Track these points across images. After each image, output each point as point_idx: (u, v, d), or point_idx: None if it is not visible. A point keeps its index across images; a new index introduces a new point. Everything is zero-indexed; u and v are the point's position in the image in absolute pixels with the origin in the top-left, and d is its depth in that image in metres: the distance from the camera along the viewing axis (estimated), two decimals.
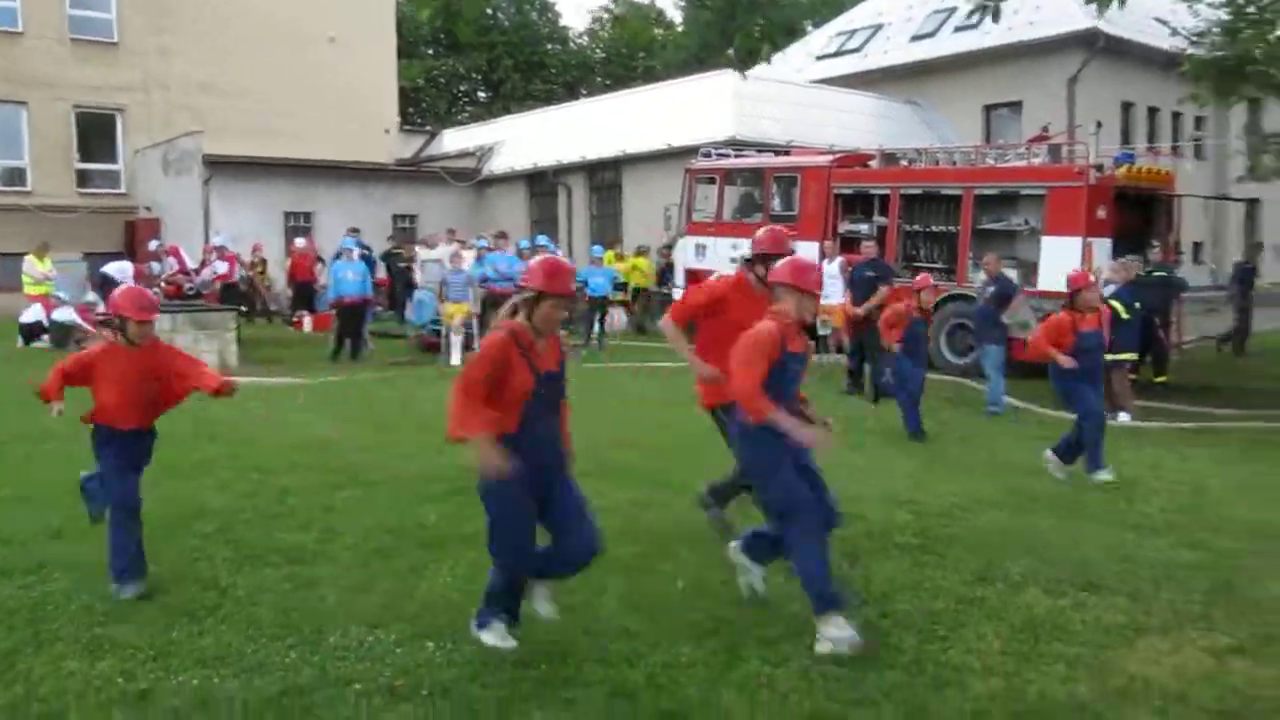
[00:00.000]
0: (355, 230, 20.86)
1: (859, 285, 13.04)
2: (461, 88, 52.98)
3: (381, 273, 21.89)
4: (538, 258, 4.85)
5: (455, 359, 15.79)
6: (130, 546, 5.52)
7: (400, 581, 5.72)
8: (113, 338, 5.66)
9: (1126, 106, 28.74)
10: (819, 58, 33.60)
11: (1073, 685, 4.44)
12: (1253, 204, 26.38)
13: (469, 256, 17.78)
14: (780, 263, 5.21)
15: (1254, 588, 5.75)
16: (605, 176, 28.14)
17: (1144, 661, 4.73)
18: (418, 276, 17.99)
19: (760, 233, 6.17)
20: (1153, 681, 4.49)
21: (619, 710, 4.14)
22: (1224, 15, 14.54)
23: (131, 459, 5.63)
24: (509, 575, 4.72)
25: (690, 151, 20.65)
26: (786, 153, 19.39)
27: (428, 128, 39.36)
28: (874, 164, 17.04)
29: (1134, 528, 6.99)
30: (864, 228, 16.04)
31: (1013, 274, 13.15)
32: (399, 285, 21.13)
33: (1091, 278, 8.83)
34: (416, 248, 21.12)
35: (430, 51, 50.39)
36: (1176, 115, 29.28)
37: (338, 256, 17.61)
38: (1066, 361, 8.29)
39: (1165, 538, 6.77)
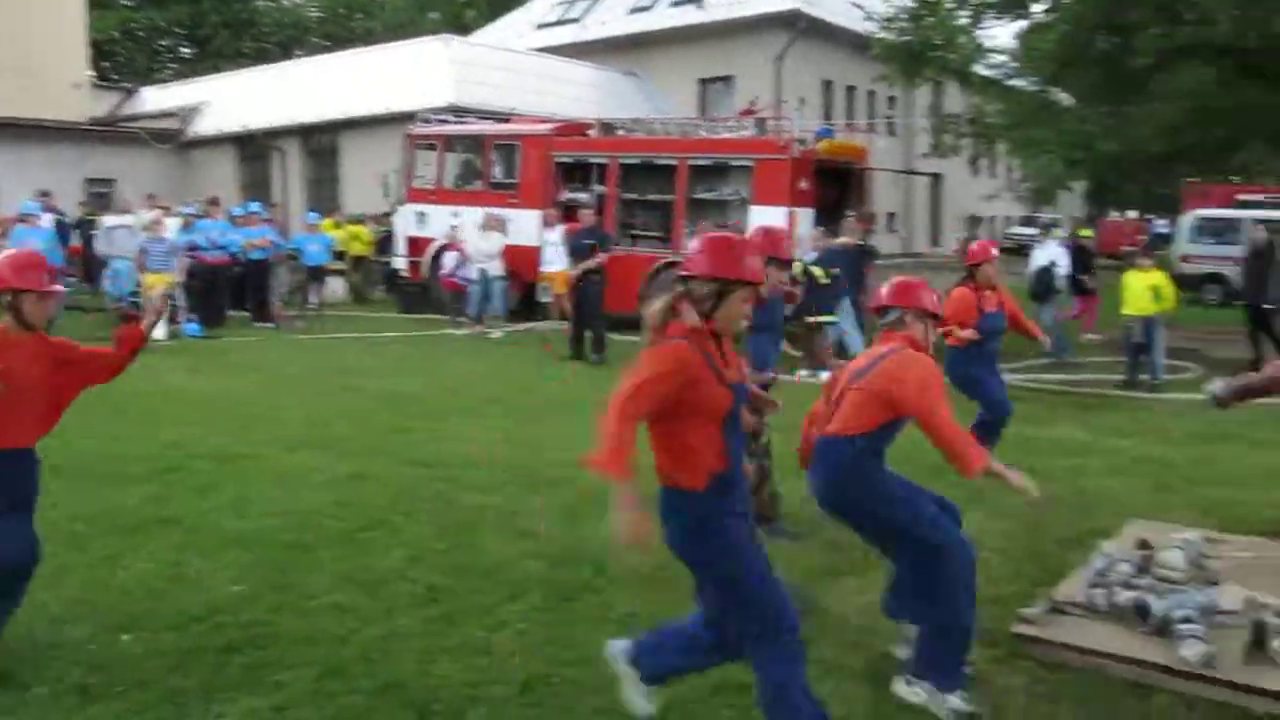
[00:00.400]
0: (46, 194, 19.13)
1: (579, 253, 13.23)
2: (163, 43, 49.37)
3: (76, 240, 20.17)
4: (703, 235, 3.62)
5: (157, 333, 14.78)
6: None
7: (94, 572, 5.33)
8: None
9: (827, 84, 30.50)
10: (540, 26, 33.65)
11: None
12: (936, 178, 28.65)
13: (172, 224, 16.67)
14: (890, 287, 4.33)
15: None
16: (321, 140, 27.16)
17: (839, 600, 5.09)
18: (99, 244, 16.60)
19: (750, 234, 5.17)
20: (845, 619, 4.84)
21: (330, 689, 4.05)
22: (910, 2, 15.71)
23: (13, 494, 4.18)
24: (788, 653, 3.44)
25: (409, 117, 20.21)
26: (507, 120, 19.33)
27: (125, 84, 36.49)
28: (593, 133, 17.30)
29: None
30: (584, 196, 16.24)
31: None
32: (93, 254, 19.54)
33: (994, 251, 7.72)
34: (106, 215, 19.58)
35: (126, 2, 46.58)
36: (871, 94, 31.36)
37: (20, 221, 16.06)
38: (968, 334, 7.31)
39: None
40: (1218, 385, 5.77)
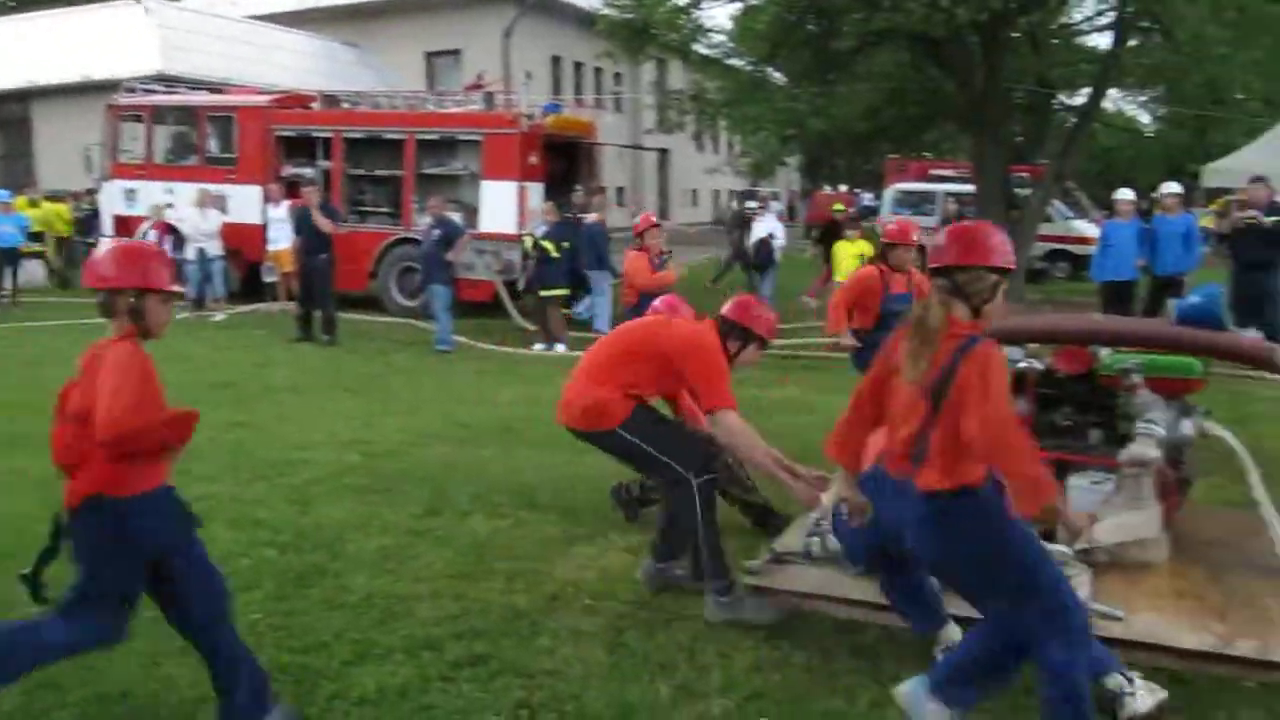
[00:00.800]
0: None
1: (305, 230, 12.78)
2: None
3: None
4: (956, 226, 3.45)
5: None
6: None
7: None
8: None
9: (555, 60, 30.75)
10: None
11: (512, 597, 4.81)
12: (663, 153, 29.52)
13: None
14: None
15: None
16: (11, 110, 24.95)
17: (576, 568, 5.22)
18: None
19: (731, 306, 4.89)
20: (582, 585, 4.98)
21: (43, 703, 3.75)
22: None
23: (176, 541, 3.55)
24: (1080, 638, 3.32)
25: (113, 86, 18.81)
26: (221, 92, 18.35)
27: None
28: (316, 106, 16.70)
29: (568, 448, 7.58)
30: (308, 171, 15.70)
31: (456, 217, 13.61)
32: None
33: (914, 235, 7.09)
34: None
35: None
36: (598, 70, 31.86)
37: None
38: (849, 343, 6.97)
39: (595, 454, 7.35)
40: None
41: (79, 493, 3.37)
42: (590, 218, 14.25)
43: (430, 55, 29.65)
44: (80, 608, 3.41)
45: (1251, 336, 5.31)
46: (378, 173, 15.83)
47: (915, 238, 7.03)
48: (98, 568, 3.40)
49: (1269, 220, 11.41)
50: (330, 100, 16.77)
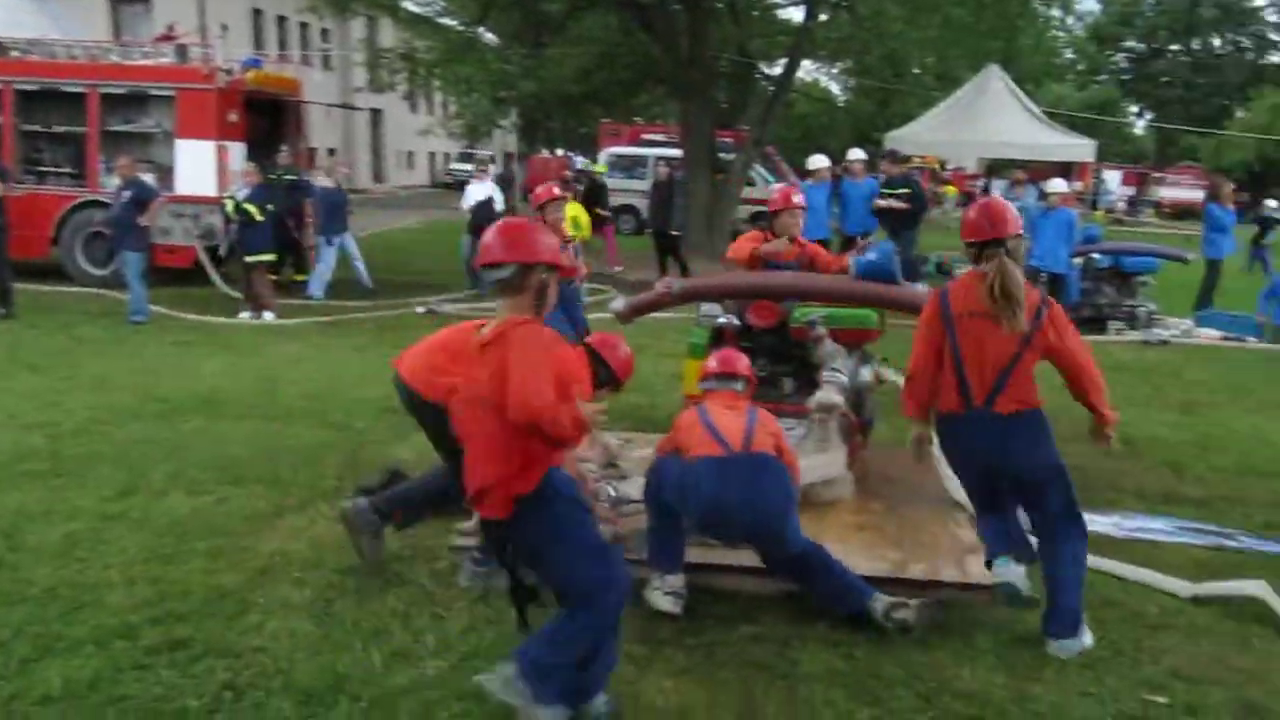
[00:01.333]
0: None
1: None
2: None
3: None
4: (982, 201, 4.50)
5: None
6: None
7: None
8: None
9: (257, 13, 29.22)
10: None
11: (216, 576, 4.62)
12: (376, 113, 28.71)
13: None
14: None
15: (380, 454, 6.40)
16: None
17: (284, 539, 5.08)
18: None
19: (599, 341, 4.94)
20: (291, 557, 4.85)
21: None
22: None
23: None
24: None
25: None
26: None
27: None
28: None
29: (276, 419, 7.38)
30: None
31: (150, 178, 12.73)
32: None
33: (797, 198, 6.49)
34: None
35: None
36: (304, 25, 30.52)
37: None
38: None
39: (304, 424, 7.25)
40: (619, 304, 6.51)
41: (510, 496, 3.27)
42: (321, 181, 13.71)
43: (116, 3, 27.44)
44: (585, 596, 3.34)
45: (919, 289, 5.82)
46: (57, 129, 14.50)
47: (798, 200, 6.51)
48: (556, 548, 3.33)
49: (900, 192, 12.49)
50: None
